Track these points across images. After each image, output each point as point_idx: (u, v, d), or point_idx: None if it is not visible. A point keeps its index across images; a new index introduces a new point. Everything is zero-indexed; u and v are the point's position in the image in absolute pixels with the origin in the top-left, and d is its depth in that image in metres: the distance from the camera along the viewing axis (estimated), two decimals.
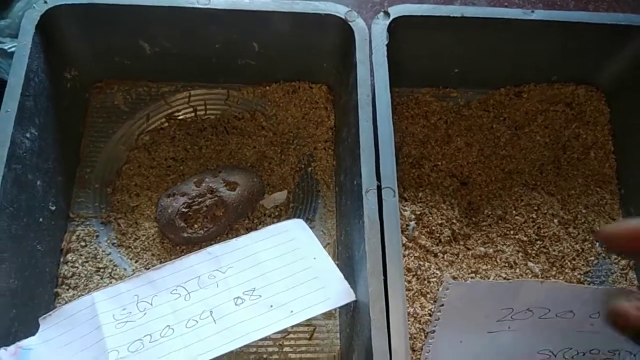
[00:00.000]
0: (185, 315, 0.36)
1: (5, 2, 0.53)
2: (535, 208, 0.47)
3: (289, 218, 0.46)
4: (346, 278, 0.38)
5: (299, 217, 0.46)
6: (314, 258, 0.39)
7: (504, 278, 0.44)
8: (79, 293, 0.41)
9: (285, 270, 0.38)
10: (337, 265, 0.40)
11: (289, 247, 0.39)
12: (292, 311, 0.36)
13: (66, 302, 0.40)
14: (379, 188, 0.37)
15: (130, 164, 0.46)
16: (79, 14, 0.41)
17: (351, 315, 0.39)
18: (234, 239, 0.39)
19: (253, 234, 0.40)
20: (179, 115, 0.49)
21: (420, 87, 0.51)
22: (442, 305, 0.39)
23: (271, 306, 0.36)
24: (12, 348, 0.34)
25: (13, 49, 0.50)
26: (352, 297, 0.37)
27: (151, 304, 0.36)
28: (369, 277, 0.34)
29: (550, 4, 0.62)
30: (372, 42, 0.41)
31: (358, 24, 0.42)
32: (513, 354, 0.40)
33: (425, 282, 0.42)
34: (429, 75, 0.49)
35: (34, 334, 0.35)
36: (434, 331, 0.39)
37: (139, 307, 0.36)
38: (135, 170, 0.46)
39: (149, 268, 0.43)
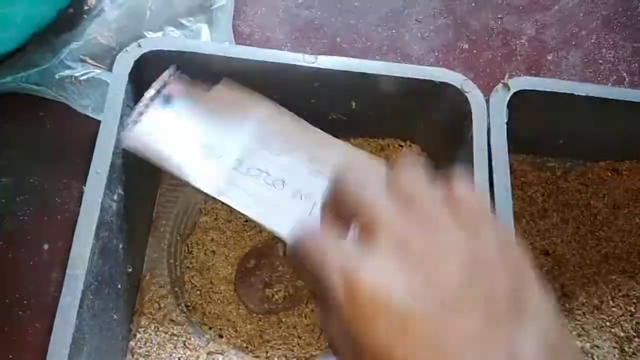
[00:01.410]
0: (300, 185, 0.38)
1: (74, 21, 0.50)
2: (634, 300, 0.44)
3: None
4: None
5: None
6: None
7: None
8: None
9: None
10: None
11: None
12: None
13: None
14: None
15: (207, 216, 0.43)
16: (171, 60, 0.38)
17: None
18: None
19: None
20: None
21: (516, 152, 0.47)
22: None
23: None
24: None
25: (84, 77, 0.47)
26: None
27: (290, 154, 0.39)
28: None
29: None
30: (489, 117, 0.37)
31: (475, 95, 0.38)
32: None
33: None
34: (530, 143, 0.46)
35: None
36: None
37: (282, 148, 0.39)
38: (211, 224, 0.43)
39: (222, 336, 0.40)
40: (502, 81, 0.38)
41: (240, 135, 0.38)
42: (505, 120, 0.37)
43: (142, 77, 0.37)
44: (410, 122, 0.44)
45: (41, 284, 0.42)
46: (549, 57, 0.56)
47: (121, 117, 0.35)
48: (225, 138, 0.38)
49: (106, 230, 0.33)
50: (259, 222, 0.36)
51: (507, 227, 0.34)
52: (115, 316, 0.36)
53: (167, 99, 0.37)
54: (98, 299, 0.32)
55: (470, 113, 0.37)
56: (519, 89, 0.38)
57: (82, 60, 0.47)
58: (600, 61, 0.56)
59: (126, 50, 0.36)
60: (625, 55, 0.57)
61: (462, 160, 0.38)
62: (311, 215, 0.37)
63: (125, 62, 0.36)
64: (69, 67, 0.46)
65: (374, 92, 0.40)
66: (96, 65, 0.47)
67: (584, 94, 0.39)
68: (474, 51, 0.55)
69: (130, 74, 0.36)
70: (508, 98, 0.38)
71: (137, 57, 0.36)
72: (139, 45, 0.36)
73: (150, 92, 0.37)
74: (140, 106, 0.36)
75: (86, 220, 0.31)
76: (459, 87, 0.38)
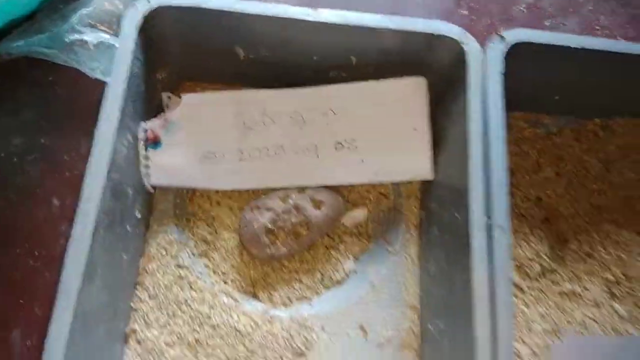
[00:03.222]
0: (296, 141, 0.41)
1: None
2: (623, 247, 0.45)
3: (369, 238, 0.44)
4: (440, 318, 0.36)
5: (377, 240, 0.44)
6: (414, 129, 0.42)
7: (591, 319, 0.42)
8: (158, 305, 0.40)
9: (385, 130, 0.42)
10: (423, 297, 0.39)
11: (398, 108, 0.42)
12: (375, 173, 0.42)
13: (144, 314, 0.39)
14: (489, 226, 0.35)
15: None
16: (180, 16, 0.39)
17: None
18: (351, 84, 0.42)
19: (371, 83, 0.42)
20: None
21: (512, 110, 0.48)
22: None
23: (362, 161, 0.42)
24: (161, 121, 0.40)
25: (94, 41, 0.48)
26: (430, 177, 0.42)
27: (273, 121, 0.40)
28: (477, 326, 0.32)
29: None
30: (486, 69, 0.39)
31: (472, 47, 0.39)
32: None
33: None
34: (525, 100, 0.47)
35: (118, 349, 0.35)
36: None
37: (264, 121, 0.41)
38: None
39: (226, 282, 0.42)
40: (496, 32, 0.40)
41: (228, 130, 0.42)
42: (502, 72, 0.38)
43: (151, 32, 0.39)
44: (409, 76, 0.45)
45: (51, 236, 0.44)
46: (547, 24, 0.57)
47: (131, 69, 0.36)
48: (219, 139, 0.42)
49: (117, 172, 0.35)
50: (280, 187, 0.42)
51: (500, 179, 0.36)
52: (125, 257, 0.37)
53: (168, 125, 0.41)
54: (109, 235, 0.34)
55: (467, 64, 0.39)
56: (516, 41, 0.39)
57: (92, 26, 0.49)
58: (597, 27, 0.58)
59: (134, 5, 0.38)
60: (622, 21, 0.58)
61: (458, 113, 0.39)
62: (319, 158, 0.40)
63: (133, 17, 0.37)
64: (79, 32, 0.48)
65: (373, 47, 0.41)
66: (105, 31, 0.49)
67: (579, 47, 0.40)
68: (473, 17, 0.56)
69: (140, 29, 0.37)
70: (505, 49, 0.39)
71: (146, 12, 0.37)
72: (148, 1, 0.38)
73: (157, 121, 0.41)
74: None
75: (98, 158, 0.33)
76: (457, 39, 0.39)
